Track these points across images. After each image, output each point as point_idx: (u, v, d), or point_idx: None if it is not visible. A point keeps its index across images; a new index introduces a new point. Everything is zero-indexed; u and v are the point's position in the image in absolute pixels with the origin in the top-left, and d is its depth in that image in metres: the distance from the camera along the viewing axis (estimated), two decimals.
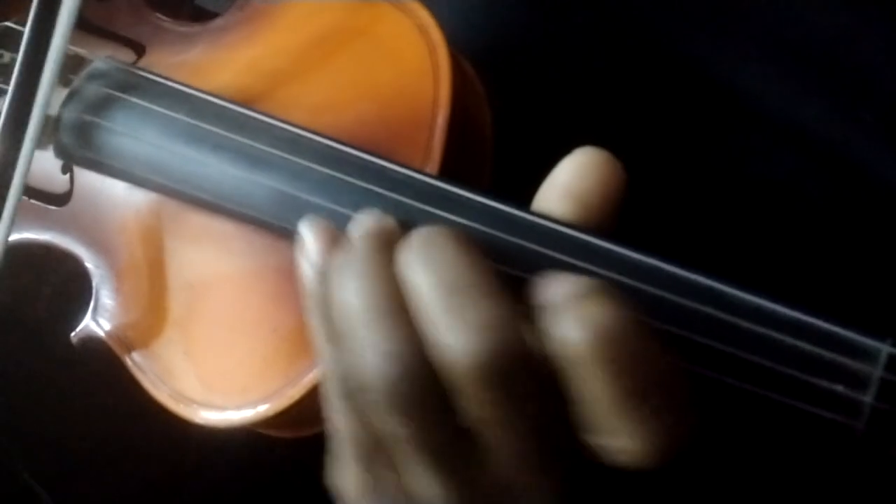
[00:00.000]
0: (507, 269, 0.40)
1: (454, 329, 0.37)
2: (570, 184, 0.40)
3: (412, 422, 0.38)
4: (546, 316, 0.38)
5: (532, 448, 0.39)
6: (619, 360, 0.37)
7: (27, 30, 0.47)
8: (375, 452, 0.41)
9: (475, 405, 0.38)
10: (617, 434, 0.37)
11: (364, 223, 0.41)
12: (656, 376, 0.37)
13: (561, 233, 0.41)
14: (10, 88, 0.47)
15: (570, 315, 0.37)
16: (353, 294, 0.39)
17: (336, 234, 0.41)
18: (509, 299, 0.38)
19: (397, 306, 0.39)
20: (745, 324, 0.39)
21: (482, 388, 0.37)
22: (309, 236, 0.42)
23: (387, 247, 0.40)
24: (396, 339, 0.38)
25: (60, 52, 0.47)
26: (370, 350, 0.38)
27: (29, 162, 0.47)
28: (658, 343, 0.38)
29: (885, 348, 0.38)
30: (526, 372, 0.38)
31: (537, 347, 0.38)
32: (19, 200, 0.48)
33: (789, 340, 0.39)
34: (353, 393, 0.40)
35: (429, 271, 0.38)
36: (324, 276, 0.41)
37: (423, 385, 0.38)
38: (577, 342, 0.37)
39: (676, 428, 0.38)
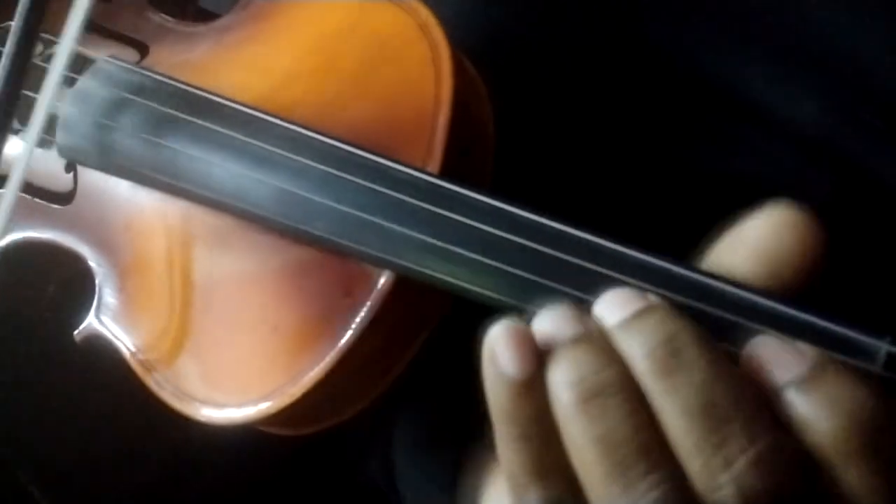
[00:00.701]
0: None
1: (722, 468, 0.32)
2: (760, 243, 0.36)
3: None
4: (785, 397, 0.33)
5: None
6: (882, 447, 0.33)
7: (15, 22, 0.47)
8: None
9: None
10: None
11: (566, 323, 0.35)
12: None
13: (563, 232, 0.41)
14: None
15: (815, 398, 0.33)
16: (596, 427, 0.33)
17: (533, 340, 0.34)
18: (769, 413, 0.33)
19: (654, 442, 0.33)
20: (743, 321, 0.39)
21: None
22: (502, 342, 0.34)
23: (614, 357, 0.34)
24: (660, 489, 0.33)
25: (69, 50, 0.47)
26: (623, 499, 0.33)
27: (27, 162, 0.48)
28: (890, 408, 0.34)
29: (883, 346, 0.38)
30: (805, 494, 0.33)
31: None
32: (15, 200, 0.48)
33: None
34: None
35: (679, 391, 0.33)
36: (527, 393, 0.34)
37: None
38: (831, 430, 0.33)
39: None
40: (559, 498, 0.35)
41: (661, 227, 0.49)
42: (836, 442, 0.33)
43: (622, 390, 0.33)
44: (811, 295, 0.37)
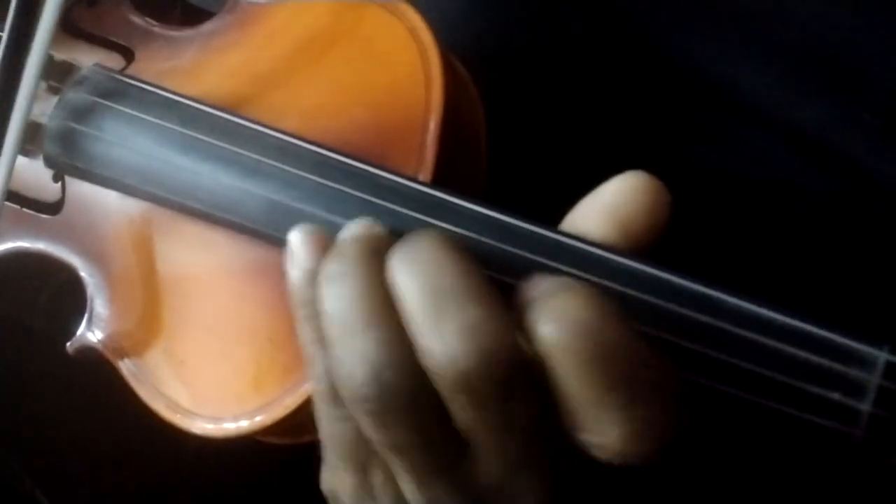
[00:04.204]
0: (497, 275, 0.40)
1: (438, 334, 0.37)
2: (615, 205, 0.39)
3: (400, 430, 0.38)
4: (525, 314, 0.37)
5: (524, 450, 0.38)
6: (590, 353, 0.36)
7: (6, 33, 0.46)
8: (366, 455, 0.41)
9: (464, 411, 0.38)
10: (597, 430, 0.37)
11: (354, 229, 0.40)
12: (631, 369, 0.37)
13: (555, 240, 0.40)
14: None
15: (544, 311, 0.37)
16: (341, 299, 0.39)
17: (325, 241, 0.41)
18: (497, 303, 0.38)
19: (385, 313, 0.38)
20: (739, 331, 0.39)
21: (469, 394, 0.37)
22: (297, 242, 0.41)
23: (376, 253, 0.39)
24: (383, 348, 0.38)
25: (42, 56, 0.46)
26: (357, 358, 0.38)
27: (10, 168, 0.47)
28: (634, 335, 0.37)
29: (882, 355, 0.38)
30: (512, 375, 0.37)
31: (524, 349, 0.37)
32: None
33: (785, 348, 0.38)
34: (341, 400, 0.39)
35: (414, 275, 0.38)
36: (311, 281, 0.40)
37: (409, 394, 0.37)
38: (549, 336, 0.37)
39: (658, 423, 0.37)
40: (332, 368, 0.39)
41: None
42: (549, 344, 0.37)
43: (361, 268, 0.39)
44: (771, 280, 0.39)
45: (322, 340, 0.40)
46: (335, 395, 0.40)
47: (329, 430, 0.41)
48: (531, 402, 0.38)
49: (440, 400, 0.38)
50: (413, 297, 0.38)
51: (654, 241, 0.39)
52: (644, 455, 0.37)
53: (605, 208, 0.39)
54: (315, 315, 0.40)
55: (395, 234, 0.41)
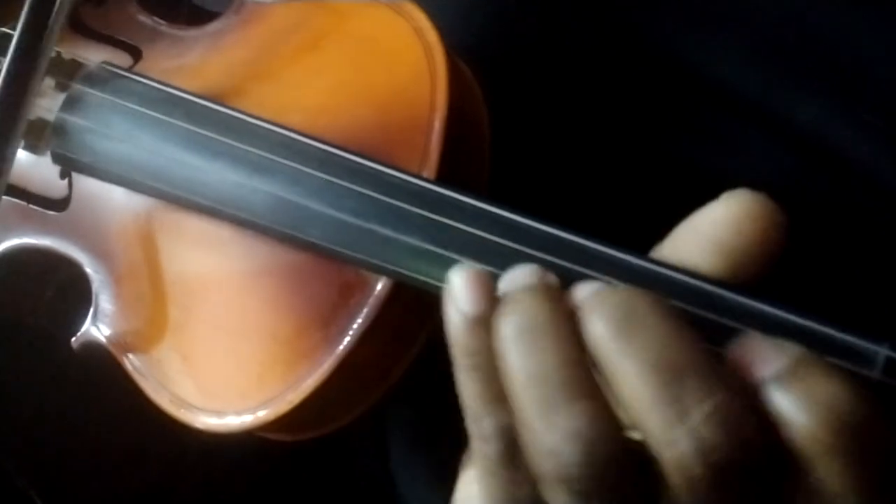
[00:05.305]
0: (498, 273, 0.40)
1: (676, 422, 0.32)
2: (719, 237, 0.36)
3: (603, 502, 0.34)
4: (764, 392, 0.33)
5: None
6: (859, 452, 0.33)
7: (18, 32, 0.47)
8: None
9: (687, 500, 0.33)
10: None
11: (524, 277, 0.37)
12: (890, 464, 0.33)
13: (557, 237, 0.40)
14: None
15: (793, 395, 0.33)
16: (538, 364, 0.35)
17: (491, 285, 0.37)
18: (733, 379, 0.33)
19: (592, 382, 0.34)
20: (741, 328, 0.39)
21: (708, 486, 0.33)
22: (460, 284, 0.37)
23: (558, 307, 0.35)
24: (595, 422, 0.34)
25: (47, 53, 0.47)
26: (565, 433, 0.34)
27: (10, 163, 0.47)
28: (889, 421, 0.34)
29: (882, 351, 0.38)
30: (765, 459, 0.33)
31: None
32: None
33: None
34: (519, 463, 0.36)
35: (634, 349, 0.34)
36: (477, 328, 0.36)
37: (620, 469, 0.34)
38: (807, 428, 0.33)
39: None
40: (508, 425, 0.36)
41: (660, 227, 0.49)
42: (812, 438, 0.33)
43: (556, 329, 0.35)
44: (768, 280, 0.37)
45: (498, 399, 0.36)
46: (513, 458, 0.36)
47: (495, 492, 0.37)
48: (777, 484, 0.34)
49: (643, 467, 0.34)
50: (634, 375, 0.33)
51: (767, 267, 0.36)
52: None
53: (708, 240, 0.36)
54: (483, 367, 0.36)
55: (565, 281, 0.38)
